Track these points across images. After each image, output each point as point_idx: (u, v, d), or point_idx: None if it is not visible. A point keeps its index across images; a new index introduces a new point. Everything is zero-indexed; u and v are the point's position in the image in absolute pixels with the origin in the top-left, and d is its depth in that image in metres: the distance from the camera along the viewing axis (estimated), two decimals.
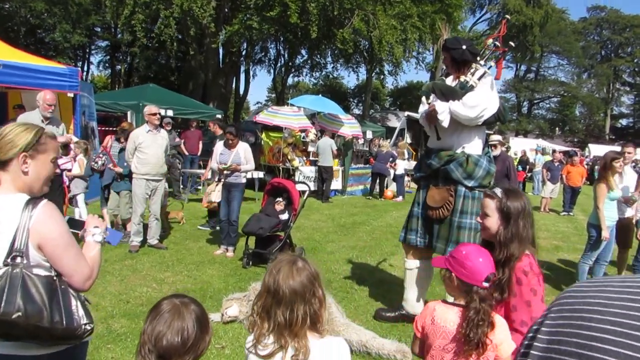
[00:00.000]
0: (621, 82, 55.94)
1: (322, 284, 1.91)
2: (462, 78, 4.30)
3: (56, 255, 1.87)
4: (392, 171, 15.34)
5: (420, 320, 2.28)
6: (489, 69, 4.34)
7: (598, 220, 5.85)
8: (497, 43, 4.35)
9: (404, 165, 14.96)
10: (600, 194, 5.80)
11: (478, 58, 4.33)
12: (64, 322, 1.83)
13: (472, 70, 4.28)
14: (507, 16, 4.64)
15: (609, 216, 5.87)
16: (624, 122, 58.27)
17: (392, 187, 15.48)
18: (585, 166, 21.45)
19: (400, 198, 14.76)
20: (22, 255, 1.81)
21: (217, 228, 8.53)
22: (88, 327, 1.92)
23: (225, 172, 6.80)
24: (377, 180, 14.89)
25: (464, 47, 4.29)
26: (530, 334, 0.74)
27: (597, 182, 5.96)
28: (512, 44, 4.38)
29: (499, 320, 2.16)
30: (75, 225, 2.14)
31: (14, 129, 1.92)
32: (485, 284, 2.13)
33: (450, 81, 4.46)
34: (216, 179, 7.10)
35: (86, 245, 2.08)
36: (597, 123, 52.95)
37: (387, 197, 14.87)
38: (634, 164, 26.06)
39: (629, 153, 6.38)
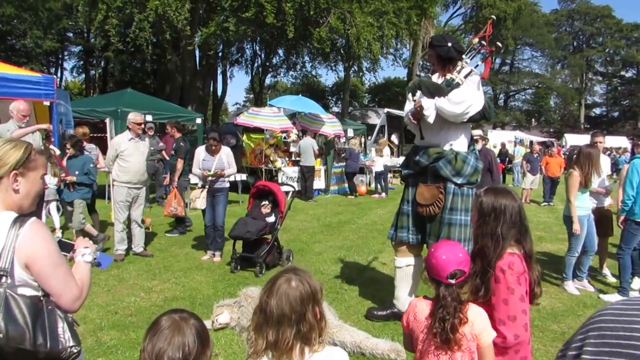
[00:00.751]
0: (594, 72, 57.04)
1: (319, 302, 1.83)
2: (449, 75, 4.34)
3: (44, 274, 1.82)
4: (373, 168, 15.45)
5: (405, 316, 2.36)
6: (475, 67, 4.38)
7: (578, 212, 5.88)
8: (484, 42, 4.39)
9: (383, 162, 15.07)
10: (573, 186, 5.82)
11: (464, 57, 4.37)
12: (48, 345, 1.78)
13: (458, 68, 4.32)
14: (493, 16, 4.68)
15: (582, 206, 5.92)
16: (597, 111, 59.43)
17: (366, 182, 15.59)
18: (563, 156, 21.81)
19: (383, 195, 14.87)
20: (6, 275, 1.76)
21: (186, 232, 8.48)
22: (74, 350, 1.87)
23: (210, 178, 6.74)
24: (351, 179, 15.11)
25: (449, 44, 4.34)
26: (572, 355, 0.74)
27: (569, 174, 5.95)
28: (499, 44, 4.42)
29: (475, 311, 2.19)
30: (65, 247, 2.09)
31: (3, 146, 1.87)
32: (450, 280, 2.17)
33: (436, 78, 4.49)
34: (199, 185, 7.00)
35: (76, 265, 2.03)
36: (572, 113, 53.89)
37: (361, 192, 15.01)
38: (608, 152, 26.60)
39: (600, 142, 6.49)
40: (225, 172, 6.80)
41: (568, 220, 6.00)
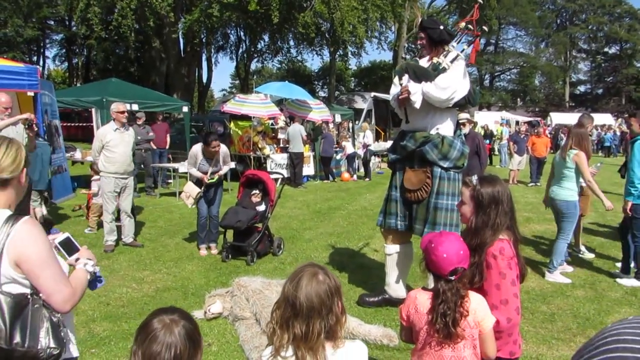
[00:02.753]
0: (577, 50, 57.17)
1: (341, 297, 1.88)
2: (435, 59, 4.34)
3: (34, 273, 1.82)
4: (360, 153, 15.54)
5: (405, 309, 2.32)
6: (461, 51, 4.38)
7: (572, 195, 5.72)
8: (470, 27, 4.39)
9: (350, 145, 15.37)
10: (585, 165, 5.57)
11: (452, 41, 4.37)
12: (26, 344, 1.76)
13: (444, 53, 4.32)
14: (480, 0, 4.67)
15: (574, 188, 5.75)
16: (582, 88, 59.72)
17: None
18: (549, 135, 22.00)
19: (354, 177, 15.23)
20: None
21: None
22: (54, 352, 1.84)
23: (208, 181, 6.56)
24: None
25: (441, 27, 4.34)
26: None
27: (575, 155, 5.62)
28: (485, 28, 4.42)
29: (475, 299, 2.22)
30: (69, 247, 2.08)
31: (11, 146, 1.89)
32: (451, 277, 2.16)
33: (424, 62, 4.48)
34: (193, 180, 6.81)
35: (76, 271, 2.03)
36: (556, 91, 54.11)
37: (344, 179, 15.12)
38: (593, 129, 26.81)
39: (589, 125, 6.50)
40: (223, 170, 6.76)
41: (565, 203, 5.73)
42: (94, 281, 2.12)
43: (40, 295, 1.84)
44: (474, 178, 2.50)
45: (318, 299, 1.78)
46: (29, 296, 1.82)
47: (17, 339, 1.74)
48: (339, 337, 1.85)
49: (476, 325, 2.17)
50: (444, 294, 2.15)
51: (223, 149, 6.77)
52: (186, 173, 7.22)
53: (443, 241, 2.22)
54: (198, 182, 6.66)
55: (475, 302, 2.20)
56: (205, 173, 6.56)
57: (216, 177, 6.64)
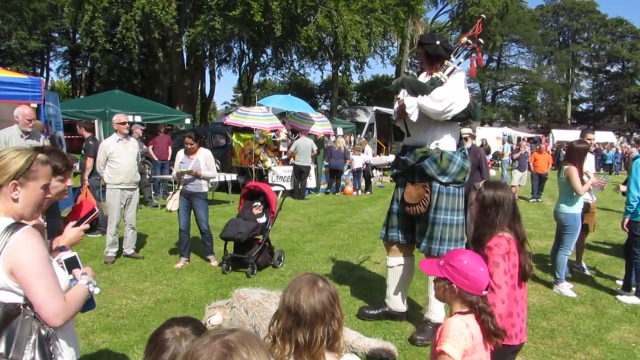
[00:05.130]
0: (580, 67, 57.52)
1: (340, 304, 1.88)
2: (434, 74, 4.38)
3: (26, 283, 1.80)
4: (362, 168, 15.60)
5: (462, 343, 2.09)
6: (458, 64, 4.42)
7: (572, 208, 5.82)
8: (470, 41, 4.43)
9: (362, 160, 15.28)
10: (576, 178, 5.68)
11: (452, 56, 4.41)
12: (10, 355, 1.75)
13: (443, 68, 4.36)
14: (483, 15, 4.72)
15: (577, 203, 5.87)
16: (584, 106, 59.94)
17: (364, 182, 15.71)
18: (550, 152, 22.03)
19: (358, 192, 15.19)
20: None
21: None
22: None
23: (185, 176, 6.51)
24: (335, 177, 15.29)
25: (437, 42, 4.38)
26: None
27: (567, 170, 5.78)
28: (481, 40, 4.46)
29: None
30: (73, 266, 2.09)
31: (7, 154, 1.88)
32: (485, 292, 2.20)
33: (423, 77, 4.52)
34: (180, 188, 6.80)
35: (76, 286, 2.03)
36: (558, 108, 54.26)
37: (347, 192, 15.14)
38: (594, 148, 26.89)
39: (590, 140, 6.55)
40: (203, 173, 6.52)
41: (566, 216, 5.88)
42: (87, 302, 2.09)
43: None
44: (481, 183, 2.71)
45: (321, 305, 1.79)
46: (20, 307, 1.80)
47: (2, 349, 1.73)
48: (340, 349, 1.85)
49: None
50: (484, 310, 2.16)
51: (205, 152, 6.70)
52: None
53: (472, 260, 2.22)
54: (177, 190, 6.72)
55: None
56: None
57: (192, 172, 6.45)
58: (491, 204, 2.63)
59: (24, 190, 1.90)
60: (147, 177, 11.86)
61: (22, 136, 6.21)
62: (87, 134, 8.64)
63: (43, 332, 1.84)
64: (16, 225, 1.83)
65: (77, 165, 12.65)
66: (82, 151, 8.32)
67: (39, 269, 1.82)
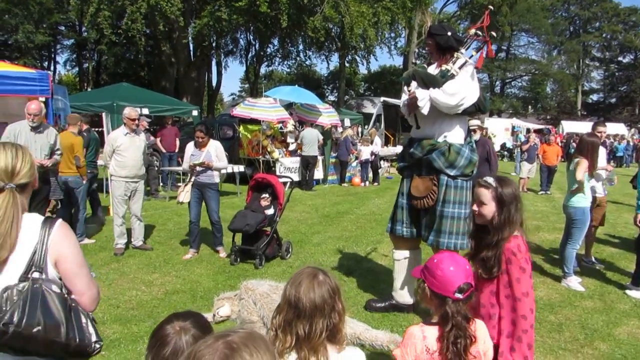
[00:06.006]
0: (590, 58, 56.78)
1: (342, 297, 1.90)
2: (444, 66, 4.35)
3: (71, 272, 1.92)
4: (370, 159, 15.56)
5: (411, 353, 2.08)
6: (470, 57, 4.38)
7: (581, 202, 5.78)
8: (479, 32, 4.39)
9: (369, 150, 15.21)
10: (582, 169, 5.62)
11: (462, 47, 4.37)
12: (77, 339, 1.87)
13: (453, 59, 4.33)
14: (490, 7, 4.68)
15: (585, 196, 5.83)
16: (594, 97, 59.27)
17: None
18: (559, 144, 21.86)
19: (366, 184, 15.12)
20: (40, 271, 1.86)
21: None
22: (97, 346, 1.96)
23: (197, 168, 6.55)
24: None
25: (449, 33, 4.34)
26: None
27: (576, 163, 5.69)
28: (493, 34, 4.43)
29: (481, 325, 2.18)
30: None
31: (25, 152, 1.97)
32: (458, 295, 2.05)
33: (433, 69, 4.49)
34: (192, 179, 6.82)
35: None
36: (568, 99, 53.70)
37: (355, 183, 15.09)
38: (604, 140, 26.64)
39: (602, 132, 6.50)
40: (214, 164, 6.58)
41: (574, 210, 5.84)
42: None
43: (72, 295, 1.95)
44: (490, 179, 2.54)
45: (320, 298, 1.82)
46: (66, 295, 1.92)
47: (71, 333, 1.85)
48: (342, 341, 1.87)
49: (483, 356, 2.13)
50: (453, 317, 2.03)
51: (215, 143, 6.74)
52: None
53: (446, 257, 2.17)
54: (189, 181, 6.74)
55: (481, 329, 2.17)
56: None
57: (205, 163, 6.49)
58: (512, 200, 2.46)
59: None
60: (156, 169, 11.91)
61: (31, 131, 6.26)
62: (84, 127, 8.59)
63: (90, 316, 1.99)
64: (51, 220, 1.95)
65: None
66: None
67: (81, 259, 1.97)
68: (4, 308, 1.76)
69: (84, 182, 7.33)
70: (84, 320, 1.94)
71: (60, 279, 1.93)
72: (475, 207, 2.59)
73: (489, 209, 2.49)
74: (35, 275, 1.84)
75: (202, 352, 1.06)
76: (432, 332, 2.09)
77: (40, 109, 6.33)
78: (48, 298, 1.83)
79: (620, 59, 55.75)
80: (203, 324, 1.65)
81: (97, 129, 12.80)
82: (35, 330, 1.77)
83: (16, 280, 1.83)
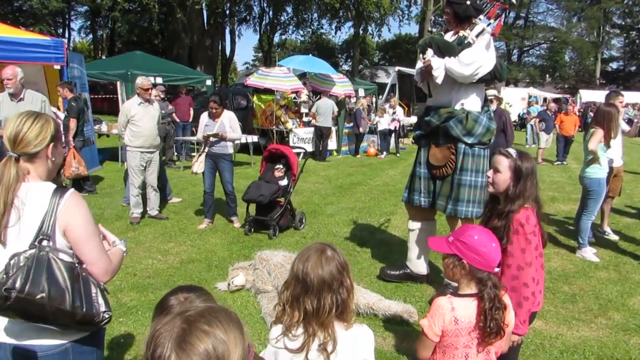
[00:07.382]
0: (611, 25, 55.15)
1: (350, 273, 1.91)
2: (461, 33, 4.26)
3: (80, 241, 1.92)
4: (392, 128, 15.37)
5: (439, 323, 2.09)
6: (487, 25, 4.28)
7: (597, 173, 5.73)
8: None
9: (386, 121, 15.04)
10: (596, 139, 5.56)
11: (481, 15, 4.27)
12: (84, 308, 1.87)
13: (470, 27, 4.24)
14: None
15: (603, 166, 5.78)
16: (614, 65, 57.86)
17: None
18: (577, 113, 21.46)
19: (383, 155, 14.99)
20: (48, 239, 1.87)
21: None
22: (106, 316, 1.97)
23: (211, 139, 6.55)
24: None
25: (467, 2, 4.24)
26: None
27: (592, 133, 5.63)
28: (513, 1, 4.33)
29: (506, 296, 2.18)
30: None
31: (37, 121, 1.95)
32: (497, 269, 2.13)
33: (449, 37, 4.40)
34: (205, 150, 6.81)
35: (116, 248, 2.15)
36: (587, 68, 52.49)
37: (370, 154, 15.03)
38: (624, 108, 26.10)
39: (620, 102, 6.36)
40: (228, 135, 6.58)
41: (590, 181, 5.80)
42: None
43: (83, 265, 1.95)
44: (512, 150, 2.57)
45: (328, 273, 1.82)
46: (76, 264, 1.92)
47: (78, 302, 1.86)
48: (350, 318, 1.88)
49: (507, 325, 2.14)
50: (492, 290, 2.05)
51: (228, 114, 6.72)
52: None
53: (482, 235, 2.16)
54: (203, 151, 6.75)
55: (507, 298, 2.18)
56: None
57: (219, 134, 6.50)
58: (529, 175, 2.49)
59: (55, 151, 2.02)
60: (172, 138, 11.91)
61: (11, 99, 6.14)
62: (69, 95, 8.61)
63: (100, 286, 1.99)
64: (63, 189, 1.95)
65: (100, 126, 12.81)
66: (65, 112, 8.30)
67: (91, 229, 1.96)
68: (10, 274, 1.78)
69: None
70: (93, 290, 1.94)
71: (71, 248, 1.94)
72: (489, 174, 2.61)
73: (503, 177, 2.53)
74: (44, 243, 1.85)
75: (160, 330, 1.03)
76: (462, 303, 2.10)
77: (14, 73, 6.14)
78: (54, 266, 1.83)
79: None
80: (207, 297, 1.67)
81: (112, 96, 12.82)
82: (39, 297, 1.78)
83: (26, 248, 1.84)
